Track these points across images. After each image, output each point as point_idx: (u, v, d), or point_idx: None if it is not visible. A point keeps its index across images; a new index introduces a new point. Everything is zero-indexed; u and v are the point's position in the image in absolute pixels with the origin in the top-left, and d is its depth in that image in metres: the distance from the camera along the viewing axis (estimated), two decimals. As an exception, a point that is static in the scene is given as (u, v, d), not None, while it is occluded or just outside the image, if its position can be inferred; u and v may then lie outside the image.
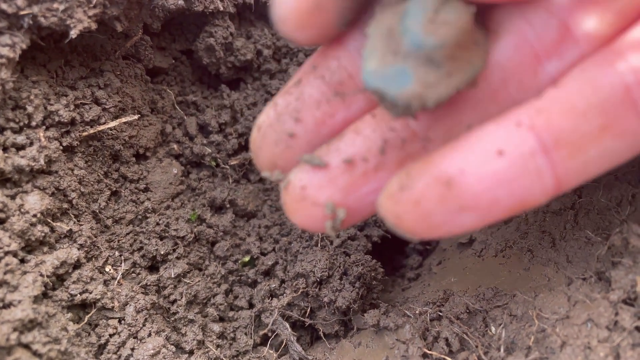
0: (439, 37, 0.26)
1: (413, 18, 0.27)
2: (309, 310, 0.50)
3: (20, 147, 0.42)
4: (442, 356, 0.41)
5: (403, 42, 0.27)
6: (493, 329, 0.42)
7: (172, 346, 0.46)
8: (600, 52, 0.28)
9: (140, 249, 0.50)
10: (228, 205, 0.56)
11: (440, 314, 0.45)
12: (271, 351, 0.49)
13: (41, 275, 0.41)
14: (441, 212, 0.27)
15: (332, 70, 0.33)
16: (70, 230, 0.45)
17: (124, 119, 0.49)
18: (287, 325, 0.49)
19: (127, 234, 0.50)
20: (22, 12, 0.39)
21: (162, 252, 0.50)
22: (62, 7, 0.40)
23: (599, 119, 0.27)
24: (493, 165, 0.27)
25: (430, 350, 0.42)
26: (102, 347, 0.44)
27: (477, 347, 0.41)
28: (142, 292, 0.47)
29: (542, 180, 0.27)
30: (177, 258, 0.51)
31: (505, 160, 0.27)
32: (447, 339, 0.43)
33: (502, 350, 0.40)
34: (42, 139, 0.42)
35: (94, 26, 0.42)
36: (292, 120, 0.33)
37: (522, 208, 0.28)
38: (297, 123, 0.33)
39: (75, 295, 0.43)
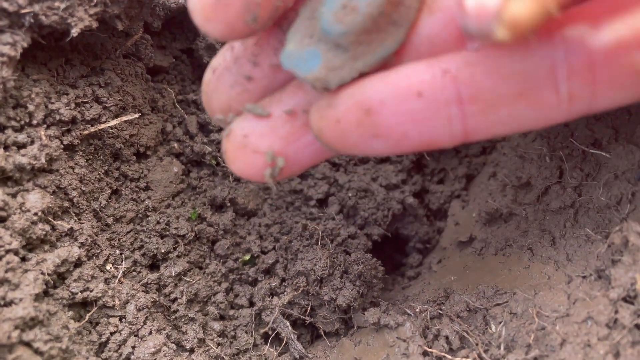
0: (344, 25, 0.28)
1: (329, 3, 0.29)
2: (309, 308, 0.50)
3: (21, 146, 0.42)
4: (443, 354, 0.41)
5: (318, 27, 0.29)
6: (493, 327, 0.42)
7: (173, 344, 0.46)
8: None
9: (141, 247, 0.50)
10: (228, 204, 0.56)
11: (441, 312, 0.45)
12: (272, 349, 0.49)
13: (42, 273, 0.41)
14: (356, 134, 0.30)
15: (289, 21, 0.33)
16: (71, 228, 0.45)
17: (124, 118, 0.49)
18: (288, 323, 0.50)
19: (128, 232, 0.50)
20: (23, 11, 0.39)
21: (162, 251, 0.50)
22: (63, 6, 0.40)
23: (518, 85, 0.28)
24: (410, 104, 0.29)
25: (430, 348, 0.42)
26: (103, 345, 0.44)
27: (477, 345, 0.41)
28: (142, 291, 0.48)
29: (451, 127, 0.30)
30: (178, 256, 0.51)
31: (422, 102, 0.29)
32: (447, 337, 0.43)
33: (502, 348, 0.40)
34: (43, 138, 0.43)
35: (94, 25, 0.42)
36: (249, 63, 0.34)
37: (429, 147, 0.31)
38: (254, 67, 0.34)
39: (76, 293, 0.43)
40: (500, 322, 0.42)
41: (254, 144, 0.33)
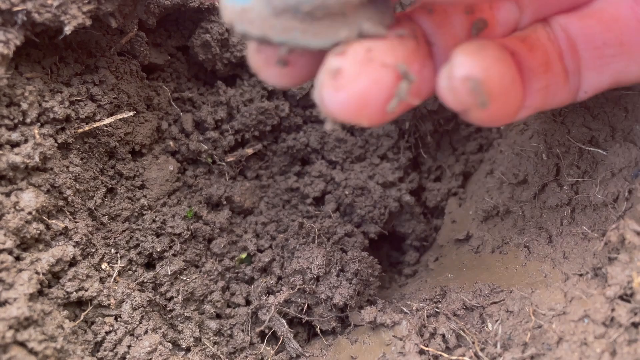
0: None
1: None
2: (305, 306, 0.50)
3: (14, 144, 0.42)
4: (439, 352, 0.41)
5: None
6: (490, 325, 0.42)
7: (169, 343, 0.46)
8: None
9: (137, 246, 0.50)
10: (224, 202, 0.56)
11: (437, 310, 0.45)
12: (268, 348, 0.49)
13: (37, 272, 0.40)
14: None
15: None
16: (66, 227, 0.44)
17: (119, 116, 0.49)
18: (284, 322, 0.49)
19: (123, 231, 0.49)
20: (15, 8, 0.39)
21: (158, 249, 0.50)
22: (56, 3, 0.40)
23: (620, 34, 0.32)
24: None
25: (427, 346, 0.42)
26: (98, 345, 0.44)
27: (473, 343, 0.41)
28: (138, 290, 0.47)
29: (568, 82, 0.34)
30: (174, 255, 0.51)
31: (538, 55, 0.33)
32: (443, 336, 0.43)
33: (498, 346, 0.40)
34: (37, 136, 0.42)
35: (88, 22, 0.42)
36: None
37: (552, 105, 0.35)
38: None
39: (71, 292, 0.43)
40: (496, 320, 0.42)
41: (381, 57, 0.28)
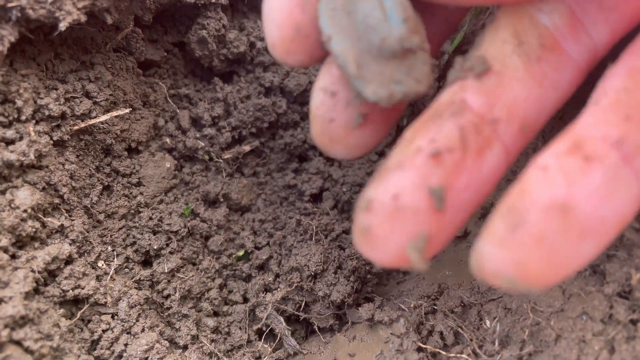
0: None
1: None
2: (303, 304, 0.50)
3: (9, 142, 0.41)
4: (437, 350, 0.41)
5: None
6: (487, 322, 0.42)
7: (166, 341, 0.46)
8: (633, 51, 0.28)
9: (133, 243, 0.49)
10: (222, 199, 0.56)
11: (435, 307, 0.45)
12: (265, 345, 0.49)
13: (32, 271, 0.40)
14: (565, 242, 0.24)
15: None
16: (62, 225, 0.44)
17: (115, 113, 0.48)
18: (282, 319, 0.49)
19: (120, 228, 0.49)
20: (9, 4, 0.38)
21: (155, 247, 0.49)
22: (50, -1, 0.39)
23: None
24: (591, 182, 0.24)
25: (424, 344, 0.42)
26: (95, 343, 0.44)
27: (471, 340, 0.41)
28: (135, 287, 0.47)
29: (631, 190, 0.25)
30: (171, 253, 0.50)
31: (598, 175, 0.25)
32: (441, 333, 0.43)
33: (496, 343, 0.40)
34: (32, 134, 0.42)
35: (83, 18, 0.41)
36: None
37: (624, 223, 0.25)
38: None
39: (68, 290, 0.43)
40: (494, 318, 0.42)
41: (411, 202, 0.25)
